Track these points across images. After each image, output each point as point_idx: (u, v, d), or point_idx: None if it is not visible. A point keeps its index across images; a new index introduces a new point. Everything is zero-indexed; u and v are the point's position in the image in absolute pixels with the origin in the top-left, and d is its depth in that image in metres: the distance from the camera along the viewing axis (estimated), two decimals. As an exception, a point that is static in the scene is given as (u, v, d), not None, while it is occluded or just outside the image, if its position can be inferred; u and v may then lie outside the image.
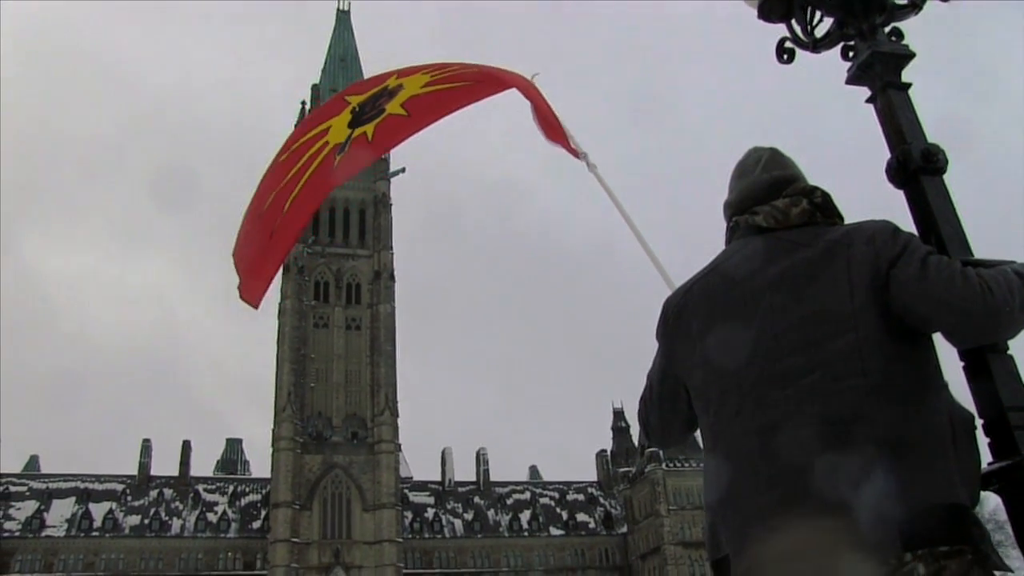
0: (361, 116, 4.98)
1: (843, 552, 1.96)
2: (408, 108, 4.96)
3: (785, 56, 3.04)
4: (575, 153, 4.64)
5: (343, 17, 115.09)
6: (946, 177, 2.54)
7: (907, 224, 2.40)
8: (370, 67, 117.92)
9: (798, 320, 2.23)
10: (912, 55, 2.74)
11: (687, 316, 2.51)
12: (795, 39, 3.00)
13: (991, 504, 2.11)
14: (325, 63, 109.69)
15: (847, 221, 2.46)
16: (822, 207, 2.47)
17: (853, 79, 2.81)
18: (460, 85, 5.01)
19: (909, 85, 2.72)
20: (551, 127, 4.75)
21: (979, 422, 2.20)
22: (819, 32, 2.94)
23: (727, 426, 2.29)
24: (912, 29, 2.83)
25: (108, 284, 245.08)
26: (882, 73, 2.71)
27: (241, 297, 4.92)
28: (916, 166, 2.51)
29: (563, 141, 4.71)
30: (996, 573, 2.00)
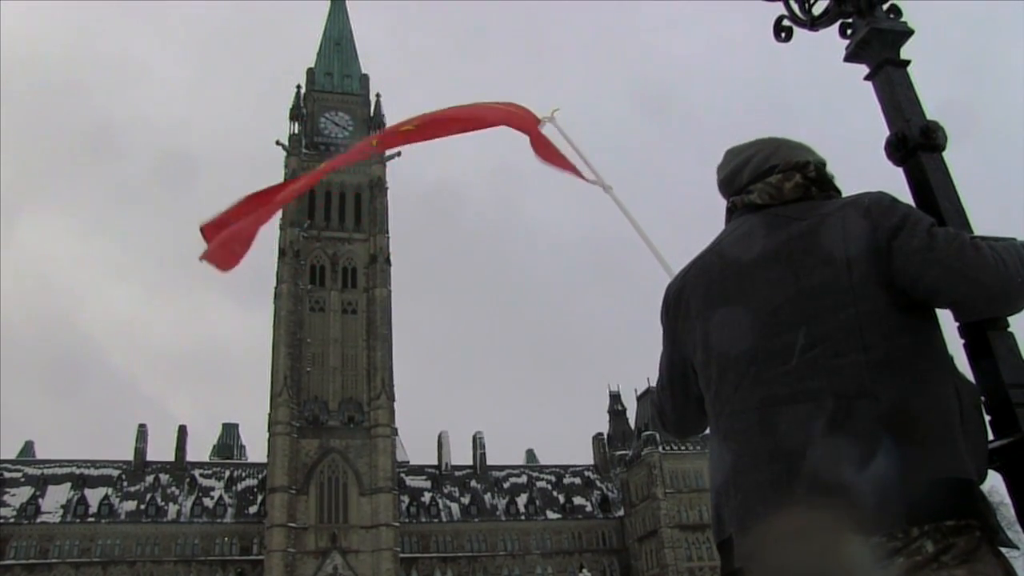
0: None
1: (847, 529, 1.91)
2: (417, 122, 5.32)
3: (783, 34, 3.02)
4: (583, 177, 4.71)
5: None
6: (946, 155, 2.52)
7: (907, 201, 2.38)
8: (365, 49, 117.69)
9: (796, 294, 2.19)
10: (911, 32, 2.73)
11: (686, 296, 2.49)
12: (793, 17, 2.98)
13: (984, 486, 2.09)
14: (320, 46, 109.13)
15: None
16: (816, 181, 2.44)
17: (851, 56, 2.79)
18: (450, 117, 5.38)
19: (908, 62, 2.70)
20: (556, 155, 4.86)
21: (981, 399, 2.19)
22: (816, 10, 2.92)
23: (727, 403, 2.26)
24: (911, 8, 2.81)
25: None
26: (880, 50, 2.70)
27: (209, 259, 4.70)
28: (915, 143, 2.50)
29: (569, 167, 4.78)
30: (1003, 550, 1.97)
